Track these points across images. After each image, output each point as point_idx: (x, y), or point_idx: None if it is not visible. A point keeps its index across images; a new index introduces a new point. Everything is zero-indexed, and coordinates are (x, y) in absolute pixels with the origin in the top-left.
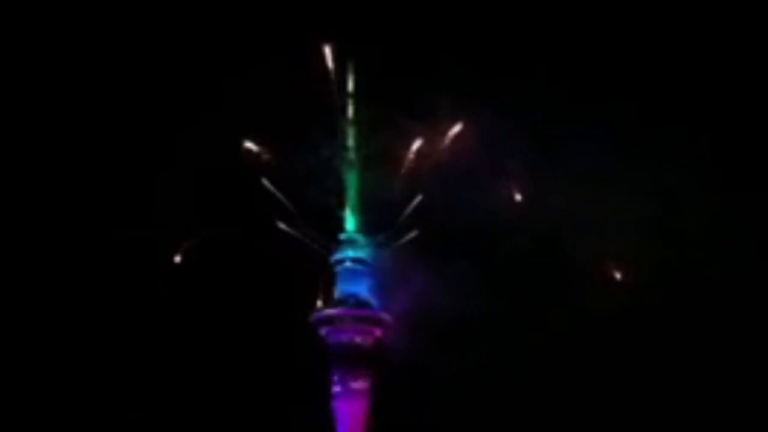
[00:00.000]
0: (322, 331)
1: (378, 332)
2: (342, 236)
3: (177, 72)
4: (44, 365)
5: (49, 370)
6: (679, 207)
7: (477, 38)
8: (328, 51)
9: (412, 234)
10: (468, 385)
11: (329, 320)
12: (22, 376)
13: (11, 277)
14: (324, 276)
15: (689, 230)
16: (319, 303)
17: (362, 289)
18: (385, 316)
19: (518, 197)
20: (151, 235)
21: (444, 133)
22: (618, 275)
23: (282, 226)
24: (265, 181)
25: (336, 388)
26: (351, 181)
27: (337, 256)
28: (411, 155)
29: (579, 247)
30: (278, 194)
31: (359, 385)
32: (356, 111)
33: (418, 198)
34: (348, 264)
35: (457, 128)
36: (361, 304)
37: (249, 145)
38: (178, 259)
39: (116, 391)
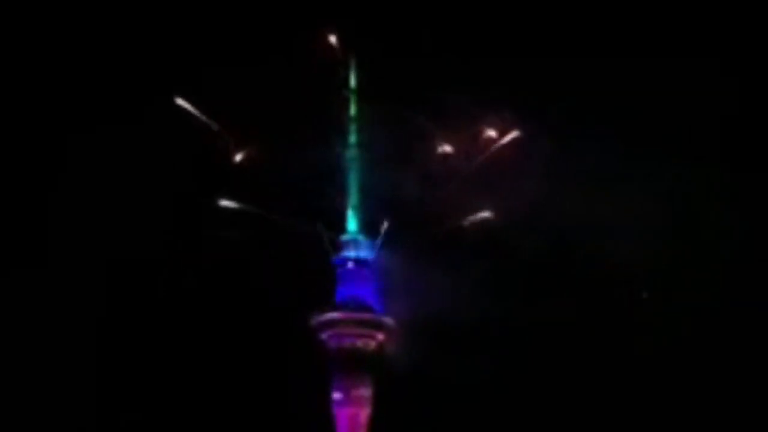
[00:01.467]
0: (323, 336)
1: (381, 337)
2: (344, 237)
3: (177, 70)
4: (44, 366)
5: (49, 371)
6: (698, 211)
7: (487, 36)
8: (333, 42)
9: (485, 214)
10: (475, 394)
11: (330, 324)
12: (24, 377)
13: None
14: (325, 278)
15: (708, 235)
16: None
17: (365, 292)
18: (389, 320)
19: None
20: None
21: (459, 134)
22: (645, 294)
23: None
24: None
25: (336, 395)
26: (353, 179)
27: (339, 257)
28: (438, 155)
29: (595, 253)
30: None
31: (361, 391)
32: (359, 107)
33: (485, 213)
34: (350, 265)
35: (513, 134)
36: (363, 307)
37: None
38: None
39: (115, 394)
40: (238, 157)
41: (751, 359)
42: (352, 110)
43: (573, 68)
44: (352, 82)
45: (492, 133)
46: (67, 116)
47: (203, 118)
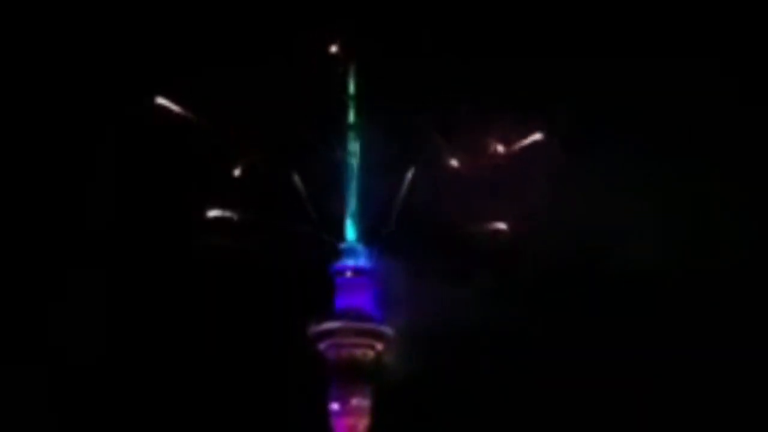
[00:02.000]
0: (321, 345)
1: (380, 346)
2: (342, 245)
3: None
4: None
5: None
6: (708, 216)
7: (495, 38)
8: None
9: (501, 226)
10: (476, 405)
11: (328, 333)
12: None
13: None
14: (323, 287)
15: (719, 240)
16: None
17: (364, 301)
18: (388, 330)
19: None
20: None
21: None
22: None
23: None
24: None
25: (334, 406)
26: (352, 186)
27: (338, 266)
28: (455, 167)
29: (601, 260)
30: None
31: (359, 402)
32: (361, 113)
33: (501, 225)
34: (349, 275)
35: (536, 137)
36: (362, 316)
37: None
38: None
39: (113, 403)
40: (237, 172)
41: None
42: (351, 117)
43: (573, 70)
44: (351, 88)
45: (500, 148)
46: (68, 118)
47: (196, 121)
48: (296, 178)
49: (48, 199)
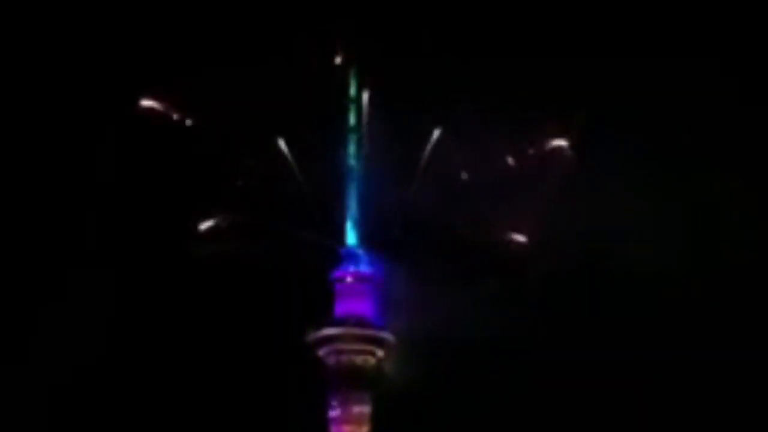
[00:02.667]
0: (321, 352)
1: (380, 353)
2: (343, 250)
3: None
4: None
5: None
6: (715, 218)
7: (498, 36)
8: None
9: (520, 238)
10: (478, 412)
11: (328, 340)
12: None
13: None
14: (324, 292)
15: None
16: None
17: (365, 308)
18: (388, 336)
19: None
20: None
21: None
22: None
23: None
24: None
25: (334, 413)
26: (353, 190)
27: (338, 271)
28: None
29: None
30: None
31: (359, 409)
32: (358, 116)
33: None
34: (349, 280)
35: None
36: (362, 322)
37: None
38: None
39: (113, 410)
40: (240, 183)
41: None
42: (352, 119)
43: (573, 70)
44: (352, 91)
45: (510, 160)
46: (71, 122)
47: (190, 122)
48: (282, 144)
49: (48, 200)
